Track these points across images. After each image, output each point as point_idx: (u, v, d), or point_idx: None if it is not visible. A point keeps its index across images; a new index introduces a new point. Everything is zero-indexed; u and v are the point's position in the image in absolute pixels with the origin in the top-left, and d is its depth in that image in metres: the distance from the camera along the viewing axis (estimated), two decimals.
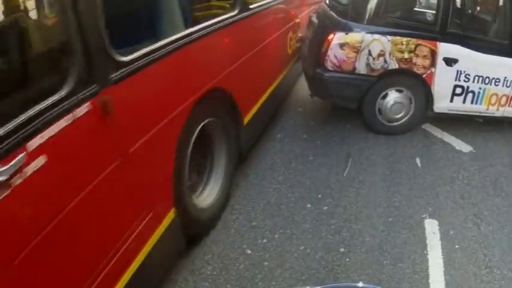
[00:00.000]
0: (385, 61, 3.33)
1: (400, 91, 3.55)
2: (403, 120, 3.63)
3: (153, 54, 1.08)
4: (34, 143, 0.79)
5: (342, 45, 3.26)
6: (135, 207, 1.23)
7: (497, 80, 3.64)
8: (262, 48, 2.49)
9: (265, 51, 2.69)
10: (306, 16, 3.87)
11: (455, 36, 3.53)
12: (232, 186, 2.47)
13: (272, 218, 2.34)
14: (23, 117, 0.74)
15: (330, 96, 3.66)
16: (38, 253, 0.80)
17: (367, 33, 3.30)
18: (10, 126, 0.74)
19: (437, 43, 3.41)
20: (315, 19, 3.97)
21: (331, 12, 3.73)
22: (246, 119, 2.24)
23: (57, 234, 0.89)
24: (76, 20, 0.92)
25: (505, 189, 3.15)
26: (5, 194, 0.73)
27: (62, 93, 0.85)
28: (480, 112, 3.83)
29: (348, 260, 2.12)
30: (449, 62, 3.44)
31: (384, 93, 3.52)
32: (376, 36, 3.27)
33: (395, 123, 3.67)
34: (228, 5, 2.00)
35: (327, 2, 4.11)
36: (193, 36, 1.39)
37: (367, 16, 3.36)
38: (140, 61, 1.07)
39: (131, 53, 1.06)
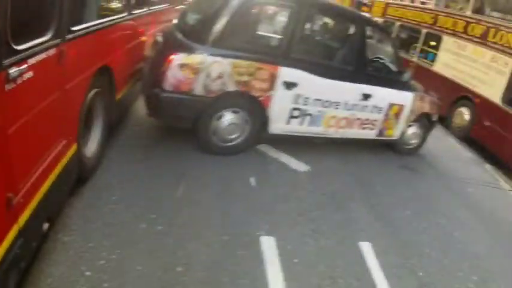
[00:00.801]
0: (223, 83, 5.02)
1: (236, 112, 5.32)
2: (238, 140, 5.51)
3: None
4: (30, 62, 2.37)
5: (182, 66, 4.84)
6: (59, 129, 3.07)
7: (338, 104, 5.95)
8: (137, 44, 5.48)
9: (139, 47, 5.69)
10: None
11: (297, 61, 5.45)
12: (68, 207, 3.67)
13: (109, 239, 3.41)
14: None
15: (165, 116, 5.29)
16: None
17: (209, 55, 4.89)
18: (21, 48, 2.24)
19: (279, 67, 5.29)
20: (160, 38, 5.71)
21: (177, 33, 5.34)
22: (118, 96, 4.72)
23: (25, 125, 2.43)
24: None
25: (343, 205, 5.01)
26: (13, 86, 2.18)
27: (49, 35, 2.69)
28: (318, 134, 6.04)
29: (185, 279, 3.22)
30: (289, 85, 5.43)
31: (219, 114, 5.24)
32: (218, 58, 4.91)
33: (230, 144, 5.49)
34: (118, 9, 4.69)
35: (175, 22, 6.02)
36: (95, 27, 3.72)
37: (211, 38, 4.97)
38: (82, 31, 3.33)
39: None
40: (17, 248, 2.43)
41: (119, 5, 5.15)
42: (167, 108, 5.13)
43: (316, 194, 5.20)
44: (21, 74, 2.30)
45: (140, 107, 5.96)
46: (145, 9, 6.21)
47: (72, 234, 3.46)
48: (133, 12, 5.44)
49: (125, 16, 5.13)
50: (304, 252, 4.03)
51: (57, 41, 2.88)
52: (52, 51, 2.79)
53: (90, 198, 3.94)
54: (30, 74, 2.42)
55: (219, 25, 5.07)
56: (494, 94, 10.25)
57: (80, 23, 3.51)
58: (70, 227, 3.52)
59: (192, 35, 5.18)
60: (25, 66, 2.35)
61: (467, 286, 4.52)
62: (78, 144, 3.64)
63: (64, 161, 3.29)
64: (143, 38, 6.15)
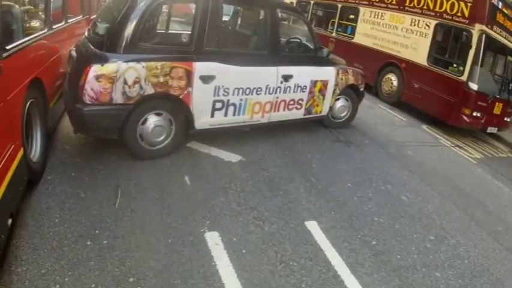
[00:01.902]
0: (141, 87, 5.32)
1: (159, 114, 5.65)
2: (166, 142, 5.82)
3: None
4: None
5: (98, 77, 5.08)
6: (7, 135, 3.83)
7: (259, 89, 6.40)
8: (61, 55, 6.36)
9: (63, 58, 6.51)
10: None
11: (211, 54, 5.83)
12: (16, 237, 3.86)
13: (59, 262, 3.61)
14: None
15: (90, 130, 5.52)
16: None
17: (122, 62, 5.17)
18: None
19: (193, 63, 5.64)
20: (74, 53, 5.94)
21: (89, 44, 5.59)
22: (52, 103, 5.59)
23: None
24: None
25: (282, 188, 5.38)
26: None
27: None
28: (245, 122, 6.45)
29: None
30: (206, 79, 5.80)
31: (142, 119, 5.54)
32: (131, 64, 5.21)
33: (158, 147, 5.80)
34: (40, 27, 5.49)
35: (86, 34, 6.18)
36: (24, 44, 4.54)
37: (122, 45, 5.23)
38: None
39: None
40: None
41: (40, 22, 5.83)
42: (91, 122, 5.36)
43: (252, 182, 5.55)
44: None
45: (66, 124, 6.21)
46: (63, 23, 6.94)
47: (24, 264, 3.63)
48: (53, 27, 6.11)
49: (47, 32, 5.75)
50: (250, 241, 4.33)
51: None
52: None
53: (33, 225, 4.12)
54: None
55: (128, 30, 5.37)
56: (419, 56, 11.19)
57: (11, 42, 4.24)
58: (21, 258, 3.70)
59: (103, 45, 5.39)
60: None
61: (425, 246, 4.99)
62: (24, 148, 4.34)
63: (15, 163, 4.03)
64: (65, 50, 6.87)
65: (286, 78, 6.78)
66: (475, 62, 10.20)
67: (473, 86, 10.06)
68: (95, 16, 8.98)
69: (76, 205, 4.50)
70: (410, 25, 11.82)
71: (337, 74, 7.74)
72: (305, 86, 7.18)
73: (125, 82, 5.30)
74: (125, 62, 5.28)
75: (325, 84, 7.51)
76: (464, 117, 10.32)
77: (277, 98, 6.83)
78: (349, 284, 4.05)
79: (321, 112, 7.75)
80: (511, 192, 8.01)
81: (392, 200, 5.98)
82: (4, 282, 3.39)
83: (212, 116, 6.25)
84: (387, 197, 6.03)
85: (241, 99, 6.40)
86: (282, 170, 6.08)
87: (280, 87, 6.78)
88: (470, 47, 10.11)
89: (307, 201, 5.37)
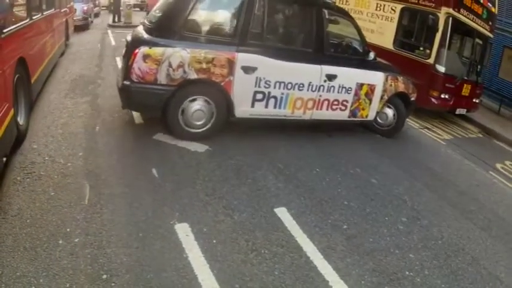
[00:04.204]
0: (184, 71, 6.04)
1: (201, 99, 6.31)
2: (207, 126, 6.48)
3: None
4: None
5: (145, 58, 5.94)
6: (3, 96, 4.92)
7: (301, 85, 6.75)
8: (43, 38, 8.36)
9: (45, 40, 8.65)
10: (63, 22, 12.36)
11: (254, 46, 6.42)
12: None
13: (33, 263, 3.63)
14: None
15: (136, 106, 6.49)
16: None
17: (169, 47, 5.97)
18: None
19: (236, 53, 6.24)
20: (129, 37, 6.83)
21: (142, 31, 6.43)
22: (33, 79, 6.85)
23: None
24: None
25: (250, 176, 5.49)
26: None
27: None
28: (286, 116, 6.84)
29: (113, 284, 3.48)
30: (248, 70, 6.37)
31: (185, 101, 6.24)
32: (177, 49, 5.98)
33: (198, 130, 6.44)
34: (23, 17, 6.55)
35: (142, 21, 7.19)
36: (13, 30, 5.63)
37: (169, 32, 6.10)
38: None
39: None
40: None
41: (24, 13, 6.81)
42: (136, 98, 6.22)
43: (220, 171, 5.65)
44: None
45: (36, 122, 6.63)
46: (40, 15, 8.17)
47: None
48: (33, 18, 7.27)
49: (28, 21, 6.78)
50: (220, 231, 4.41)
51: None
52: None
53: (5, 227, 4.19)
54: None
55: (175, 19, 6.28)
56: (386, 41, 11.42)
57: (6, 27, 5.27)
58: None
59: (154, 31, 6.30)
60: None
61: (397, 228, 5.16)
62: (14, 110, 5.32)
63: (8, 118, 4.97)
64: (44, 35, 8.53)
65: (330, 77, 7.12)
66: (441, 44, 10.48)
67: (441, 69, 10.35)
68: (64, 9, 11.89)
69: (47, 204, 4.56)
70: (376, 10, 12.06)
71: (386, 79, 7.96)
72: (350, 88, 7.49)
73: (170, 65, 6.11)
74: (170, 47, 6.11)
75: (372, 88, 7.79)
76: (433, 100, 10.63)
77: (320, 96, 7.20)
78: (322, 269, 4.13)
79: (367, 116, 8.02)
80: (482, 171, 8.30)
81: (362, 183, 6.13)
82: None
83: (252, 106, 6.81)
84: (357, 180, 6.18)
85: (282, 93, 6.87)
86: (249, 158, 6.21)
87: (323, 85, 7.14)
88: (437, 30, 10.39)
89: (275, 187, 5.48)
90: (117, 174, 5.28)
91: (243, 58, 6.46)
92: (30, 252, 3.83)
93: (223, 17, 6.80)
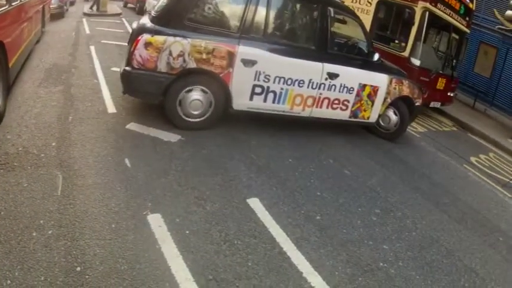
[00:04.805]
0: (184, 60, 6.19)
1: (200, 89, 6.41)
2: (205, 116, 6.60)
3: None
4: None
5: (146, 46, 6.12)
6: None
7: (301, 82, 6.76)
8: (21, 24, 8.25)
9: (23, 26, 8.52)
10: (39, 10, 12.19)
11: (255, 40, 6.52)
12: None
13: (7, 256, 3.60)
14: None
15: (135, 92, 6.55)
16: None
17: (170, 35, 6.12)
18: None
19: (236, 46, 6.35)
20: (134, 25, 7.11)
21: (148, 19, 6.58)
22: (11, 64, 6.85)
23: None
24: None
25: (222, 166, 5.50)
26: None
27: None
28: (284, 111, 6.87)
29: (87, 277, 3.48)
30: (248, 63, 6.45)
31: (183, 90, 6.36)
32: (178, 38, 6.13)
33: (196, 120, 6.58)
34: (2, 3, 6.50)
35: (149, 11, 7.46)
36: None
37: (172, 21, 6.24)
38: None
39: None
40: None
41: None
42: (136, 84, 6.41)
43: (193, 162, 5.66)
44: None
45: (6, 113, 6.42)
46: (18, 1, 8.11)
47: None
48: (12, 4, 7.30)
49: (7, 7, 6.82)
50: (193, 222, 4.42)
51: None
52: None
53: None
54: None
55: (178, 9, 6.46)
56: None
57: None
58: None
59: (158, 20, 6.46)
60: None
61: (371, 220, 5.22)
62: None
63: None
64: (22, 22, 8.57)
65: (332, 76, 7.12)
66: (417, 38, 10.64)
67: (416, 62, 10.42)
68: None
69: (20, 196, 4.54)
70: (352, 2, 12.11)
71: (390, 82, 7.92)
72: (352, 88, 7.48)
73: (170, 54, 6.27)
74: (171, 35, 6.28)
75: (375, 90, 7.76)
76: None
77: (321, 94, 7.21)
78: (295, 260, 4.16)
79: (368, 118, 8.01)
80: (457, 164, 8.44)
81: (335, 174, 6.19)
82: None
83: (251, 99, 6.87)
84: (329, 171, 6.24)
85: (281, 88, 6.92)
86: (221, 148, 6.25)
87: (324, 83, 7.16)
88: (413, 23, 10.42)
89: (248, 178, 5.52)
90: (89, 165, 5.25)
91: (243, 51, 6.58)
92: (4, 245, 3.82)
93: (226, 9, 6.91)
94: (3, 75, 6.46)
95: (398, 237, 4.99)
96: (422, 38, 11.02)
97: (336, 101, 7.45)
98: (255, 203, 4.95)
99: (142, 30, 6.42)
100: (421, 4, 10.65)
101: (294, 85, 6.97)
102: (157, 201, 4.67)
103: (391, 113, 8.43)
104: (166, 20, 6.43)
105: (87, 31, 15.83)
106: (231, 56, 6.49)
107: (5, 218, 4.14)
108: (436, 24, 11.49)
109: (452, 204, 6.32)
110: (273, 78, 6.82)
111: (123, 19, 21.28)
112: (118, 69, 8.44)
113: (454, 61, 12.08)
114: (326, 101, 7.35)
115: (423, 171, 7.35)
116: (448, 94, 12.26)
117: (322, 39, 7.15)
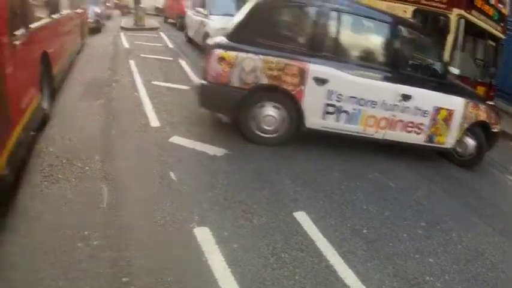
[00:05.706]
0: (256, 76, 6.45)
1: (273, 105, 6.67)
2: (278, 133, 6.80)
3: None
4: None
5: (220, 61, 6.47)
6: (32, 82, 5.84)
7: (374, 103, 6.66)
8: (62, 36, 9.16)
9: (63, 38, 9.42)
10: (78, 23, 13.07)
11: (327, 59, 6.59)
12: (9, 244, 3.94)
13: (53, 266, 3.64)
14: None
15: (210, 105, 7.04)
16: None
17: (242, 52, 6.43)
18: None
19: (308, 64, 6.46)
20: (209, 41, 7.75)
21: (222, 35, 6.97)
22: (54, 71, 7.62)
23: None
24: None
25: (269, 180, 5.51)
26: (19, 42, 4.91)
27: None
28: (358, 132, 6.83)
29: (133, 287, 3.51)
30: (320, 81, 6.52)
31: (257, 105, 6.64)
32: (250, 55, 6.41)
33: (270, 135, 6.79)
34: (43, 17, 7.07)
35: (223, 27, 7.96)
36: (37, 28, 6.21)
37: (244, 38, 6.58)
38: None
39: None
40: (23, 134, 4.93)
41: (43, 13, 7.22)
42: (211, 98, 6.87)
43: (239, 175, 5.66)
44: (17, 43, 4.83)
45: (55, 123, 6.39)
46: (58, 15, 8.74)
47: (18, 271, 3.71)
48: (53, 17, 8.02)
49: (48, 20, 7.49)
50: (241, 235, 4.40)
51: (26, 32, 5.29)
52: (25, 38, 5.22)
53: (24, 230, 4.20)
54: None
55: (249, 27, 6.80)
56: None
57: (30, 24, 5.79)
58: (17, 264, 3.78)
59: (231, 36, 6.84)
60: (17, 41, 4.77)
61: (417, 233, 5.12)
62: (40, 95, 6.08)
63: (36, 100, 5.74)
64: (63, 34, 9.34)
65: (405, 97, 6.95)
66: (454, 46, 10.27)
67: (455, 71, 10.19)
68: (79, 10, 12.86)
69: (64, 207, 4.58)
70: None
71: (466, 106, 7.51)
72: (427, 111, 7.19)
73: (243, 69, 6.55)
74: (244, 52, 6.56)
75: (450, 113, 7.38)
76: None
77: (394, 116, 7.04)
78: (342, 273, 4.10)
79: (444, 143, 7.61)
80: (500, 174, 8.47)
81: (381, 187, 6.12)
82: None
83: (323, 118, 6.88)
84: (375, 184, 6.16)
85: (354, 109, 6.88)
86: (268, 162, 6.25)
87: (397, 105, 6.98)
88: (449, 31, 10.21)
89: (294, 191, 5.49)
90: (134, 178, 5.32)
91: (315, 69, 6.64)
92: (50, 255, 3.84)
93: (298, 27, 7.04)
94: (48, 81, 7.08)
95: (444, 250, 4.91)
96: (460, 46, 10.76)
97: (410, 124, 7.19)
98: (301, 217, 4.92)
99: (215, 45, 6.77)
100: (455, 11, 10.50)
101: (366, 105, 6.86)
102: (204, 214, 4.67)
103: (467, 139, 7.97)
104: (240, 37, 6.75)
105: (126, 45, 15.93)
106: (302, 73, 6.59)
107: (50, 229, 4.20)
108: (471, 31, 11.21)
109: (496, 215, 6.25)
110: (346, 97, 6.79)
111: (161, 33, 21.21)
112: (159, 83, 8.48)
113: (492, 68, 11.72)
114: (400, 124, 7.11)
115: (466, 183, 7.32)
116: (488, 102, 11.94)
117: (395, 60, 7.04)
